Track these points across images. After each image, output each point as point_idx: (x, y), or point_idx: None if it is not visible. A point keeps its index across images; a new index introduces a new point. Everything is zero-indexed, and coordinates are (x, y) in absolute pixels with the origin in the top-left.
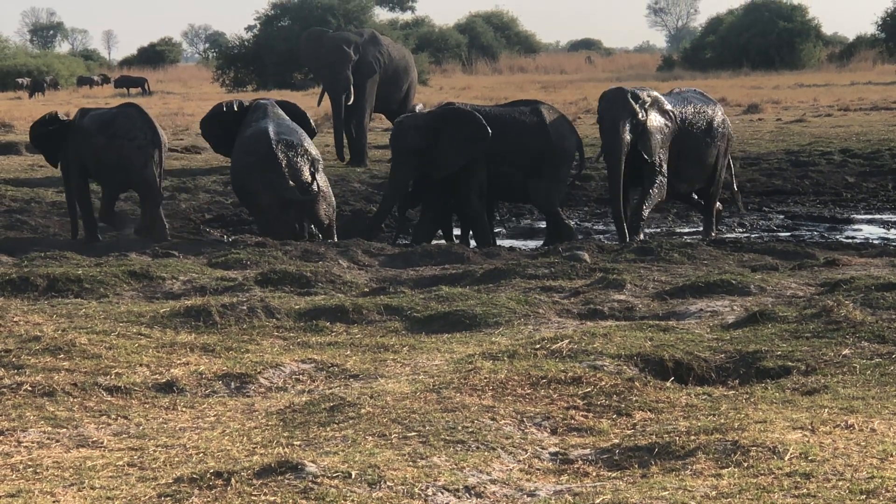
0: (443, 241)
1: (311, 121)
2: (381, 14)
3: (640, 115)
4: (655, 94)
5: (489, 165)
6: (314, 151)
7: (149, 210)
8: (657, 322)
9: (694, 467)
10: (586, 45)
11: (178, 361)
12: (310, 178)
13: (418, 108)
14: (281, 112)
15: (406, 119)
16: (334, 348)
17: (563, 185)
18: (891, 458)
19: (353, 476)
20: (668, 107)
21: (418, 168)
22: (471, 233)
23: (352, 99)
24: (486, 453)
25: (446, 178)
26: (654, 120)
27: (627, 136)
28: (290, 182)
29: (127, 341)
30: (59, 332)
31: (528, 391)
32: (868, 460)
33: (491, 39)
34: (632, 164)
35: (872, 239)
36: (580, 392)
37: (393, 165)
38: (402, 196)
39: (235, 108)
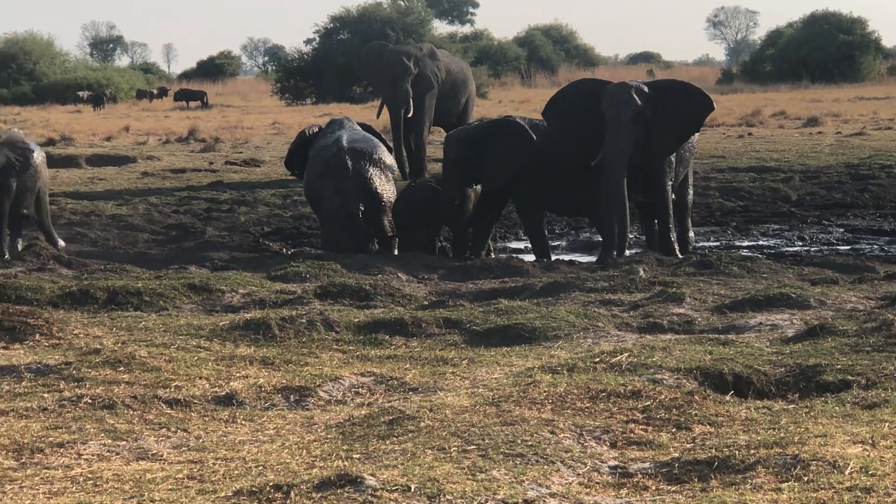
0: (502, 255)
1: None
2: (441, 27)
3: (647, 113)
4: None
5: (543, 177)
6: (388, 160)
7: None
8: (716, 335)
9: (754, 481)
10: (646, 59)
11: (238, 374)
12: (378, 188)
13: None
14: (357, 125)
15: (455, 132)
16: (393, 361)
17: None
18: None
19: (412, 489)
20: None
21: (468, 180)
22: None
23: (411, 112)
24: (545, 467)
25: (496, 190)
26: (667, 111)
27: (631, 137)
28: (357, 190)
29: (186, 354)
30: (119, 344)
31: (588, 405)
32: None
33: (550, 52)
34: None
35: None
36: (640, 405)
37: (443, 177)
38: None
39: (316, 131)
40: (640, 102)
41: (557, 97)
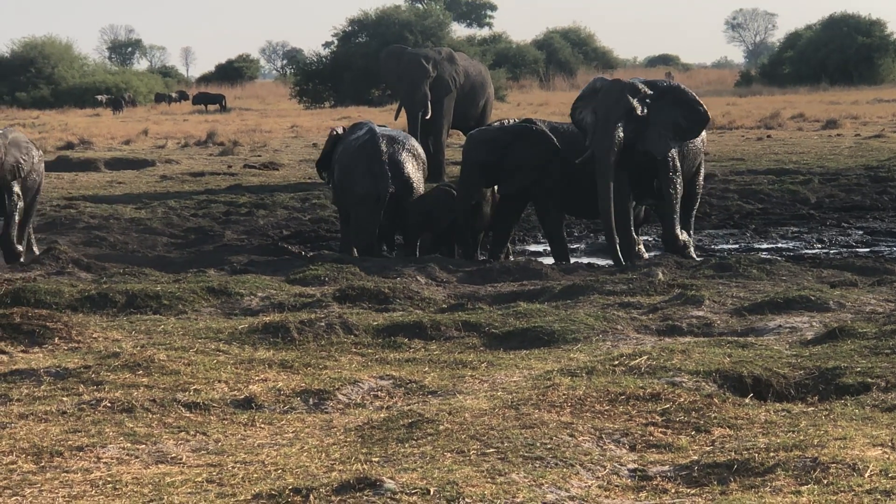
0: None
1: None
2: (459, 30)
3: (638, 111)
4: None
5: (563, 180)
6: (420, 150)
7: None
8: (736, 338)
9: (773, 484)
10: (664, 61)
11: (257, 378)
12: (411, 173)
13: None
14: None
15: (477, 133)
16: (412, 364)
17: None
18: None
19: (431, 493)
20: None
21: (487, 182)
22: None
23: (429, 114)
24: (564, 469)
25: (516, 192)
26: (662, 113)
27: (620, 134)
28: (389, 173)
29: (205, 358)
30: (138, 348)
31: (607, 407)
32: None
33: (568, 55)
34: (637, 170)
35: None
36: (659, 408)
37: (460, 178)
38: (469, 209)
39: (342, 131)
40: (631, 100)
41: (580, 97)
